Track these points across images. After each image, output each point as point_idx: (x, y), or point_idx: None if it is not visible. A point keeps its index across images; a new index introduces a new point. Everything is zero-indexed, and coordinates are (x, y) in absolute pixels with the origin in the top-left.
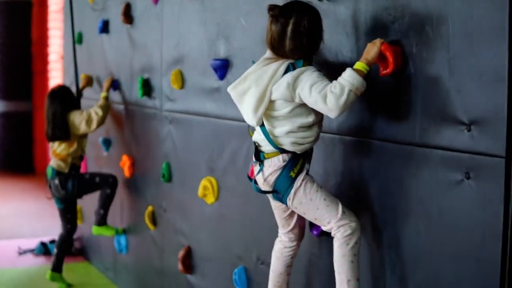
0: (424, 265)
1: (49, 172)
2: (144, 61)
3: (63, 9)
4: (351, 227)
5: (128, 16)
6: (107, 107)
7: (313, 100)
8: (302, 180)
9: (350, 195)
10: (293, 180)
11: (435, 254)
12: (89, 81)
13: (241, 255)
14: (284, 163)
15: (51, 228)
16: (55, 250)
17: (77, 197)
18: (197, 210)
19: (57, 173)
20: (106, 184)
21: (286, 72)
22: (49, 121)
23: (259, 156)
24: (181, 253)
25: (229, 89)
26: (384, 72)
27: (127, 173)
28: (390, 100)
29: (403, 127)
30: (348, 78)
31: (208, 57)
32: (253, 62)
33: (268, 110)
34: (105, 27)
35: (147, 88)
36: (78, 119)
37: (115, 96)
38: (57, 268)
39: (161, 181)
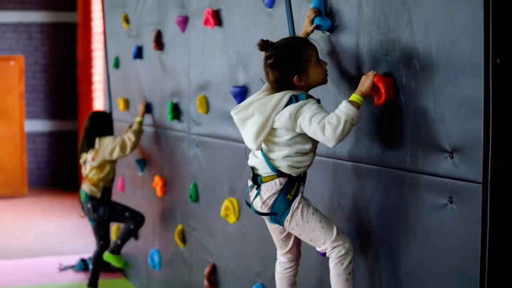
0: (415, 284)
1: (82, 195)
2: (173, 86)
3: (103, 33)
4: (345, 247)
5: (159, 42)
6: (140, 132)
7: (312, 130)
8: (299, 203)
9: (351, 216)
10: (290, 202)
11: (423, 274)
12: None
13: (259, 272)
14: (281, 186)
15: (92, 245)
16: (90, 266)
17: (106, 222)
18: (221, 229)
19: (90, 197)
20: (133, 220)
21: (288, 103)
22: (82, 138)
23: (257, 180)
24: (206, 270)
25: (232, 113)
26: (378, 102)
27: (159, 193)
28: (384, 128)
29: (396, 153)
30: (344, 109)
31: (229, 84)
32: (262, 81)
33: (269, 136)
34: (139, 53)
35: (176, 112)
36: (111, 145)
37: (148, 119)
38: (92, 283)
39: (189, 201)
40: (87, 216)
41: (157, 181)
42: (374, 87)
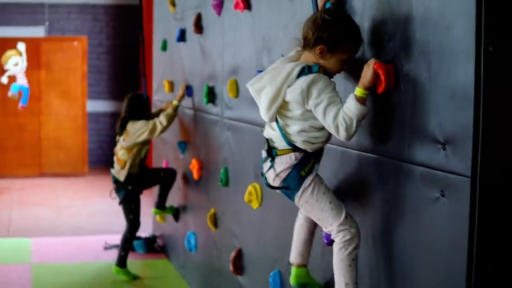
0: (409, 274)
1: (112, 175)
2: (209, 69)
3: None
4: (351, 232)
5: (198, 26)
6: (173, 117)
7: (326, 124)
8: (312, 181)
9: (354, 203)
10: (303, 178)
11: (417, 266)
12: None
13: (277, 258)
14: (296, 161)
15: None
16: (121, 253)
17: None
18: (246, 214)
19: (115, 180)
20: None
21: (300, 74)
22: (119, 119)
23: (272, 152)
24: (232, 255)
25: (248, 85)
26: (378, 90)
27: (195, 176)
28: (385, 116)
29: (395, 143)
30: (355, 110)
31: (256, 68)
32: (283, 55)
33: (282, 109)
34: (182, 36)
35: (211, 95)
36: (142, 129)
37: (188, 101)
38: (120, 263)
39: (220, 185)
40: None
41: (194, 164)
42: (375, 75)
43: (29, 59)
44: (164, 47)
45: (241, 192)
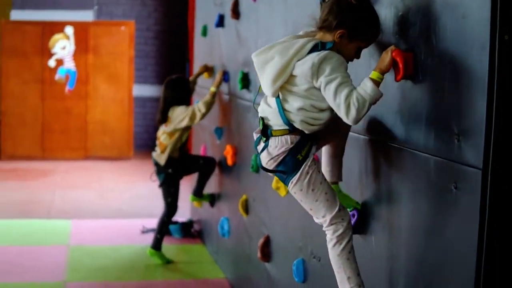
0: (420, 262)
1: (153, 158)
2: (244, 55)
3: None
4: (343, 226)
5: (236, 11)
6: (211, 103)
7: (336, 103)
8: (309, 167)
9: (367, 190)
10: (299, 163)
11: (429, 255)
12: (207, 70)
13: (301, 247)
14: (292, 145)
15: (181, 208)
16: (157, 236)
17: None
18: (275, 202)
19: (156, 163)
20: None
21: (312, 49)
22: (160, 106)
23: (266, 132)
24: (260, 241)
25: (253, 55)
26: (397, 78)
27: (229, 161)
28: (402, 104)
29: (411, 132)
30: (370, 92)
31: None
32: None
33: (286, 84)
34: (220, 21)
35: (246, 81)
36: (182, 114)
37: (224, 87)
38: (155, 245)
39: (250, 171)
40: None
41: (228, 150)
42: (393, 63)
43: (77, 43)
44: (205, 32)
45: (270, 179)
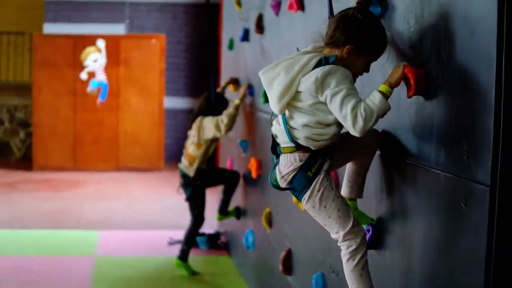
0: (429, 279)
1: (180, 170)
2: None
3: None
4: (356, 242)
5: (260, 26)
6: (234, 116)
7: (343, 114)
8: (321, 185)
9: (380, 205)
10: (310, 180)
11: (436, 273)
12: (233, 82)
13: (321, 261)
14: (301, 163)
15: (208, 220)
16: (184, 247)
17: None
18: (296, 215)
19: (184, 174)
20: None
21: (317, 65)
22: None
23: (276, 149)
24: (282, 255)
25: (260, 73)
26: (408, 94)
27: (254, 174)
28: (415, 120)
29: (423, 148)
30: (379, 103)
31: None
32: (298, 49)
33: (292, 100)
34: (245, 36)
35: None
36: (209, 125)
37: (249, 101)
38: (182, 257)
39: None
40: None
41: (253, 163)
42: (405, 78)
43: (108, 56)
44: (231, 46)
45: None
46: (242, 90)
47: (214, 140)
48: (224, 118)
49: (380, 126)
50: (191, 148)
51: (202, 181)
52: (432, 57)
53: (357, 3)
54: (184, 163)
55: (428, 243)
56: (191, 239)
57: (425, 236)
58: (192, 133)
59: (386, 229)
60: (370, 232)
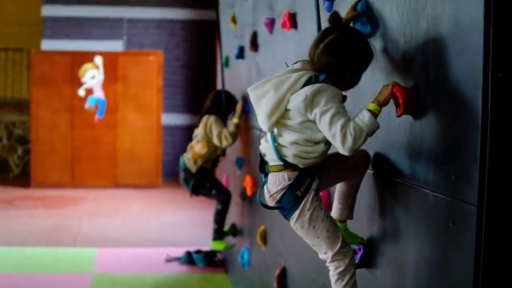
0: None
1: (181, 163)
2: None
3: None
4: (345, 263)
5: (254, 43)
6: (235, 135)
7: (332, 132)
8: (310, 205)
9: (370, 224)
10: (299, 199)
11: None
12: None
13: (314, 279)
14: (290, 182)
15: (208, 238)
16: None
17: (192, 194)
18: (290, 233)
19: (185, 168)
20: (219, 199)
21: (307, 83)
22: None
23: (264, 168)
24: (277, 272)
25: (249, 89)
26: (397, 113)
27: (249, 192)
28: (404, 140)
29: (413, 167)
30: (368, 122)
31: None
32: (287, 65)
33: (281, 118)
34: (240, 53)
35: None
36: (215, 130)
37: (245, 118)
38: (215, 237)
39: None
40: (183, 186)
41: (248, 180)
42: (394, 98)
43: (106, 73)
44: (227, 63)
45: None
46: (238, 108)
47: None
48: (228, 135)
49: (370, 145)
50: (198, 146)
51: (203, 177)
52: (420, 76)
53: (330, 16)
54: (187, 156)
55: (419, 262)
56: (219, 216)
57: (416, 255)
58: (199, 131)
59: (377, 248)
60: (361, 251)
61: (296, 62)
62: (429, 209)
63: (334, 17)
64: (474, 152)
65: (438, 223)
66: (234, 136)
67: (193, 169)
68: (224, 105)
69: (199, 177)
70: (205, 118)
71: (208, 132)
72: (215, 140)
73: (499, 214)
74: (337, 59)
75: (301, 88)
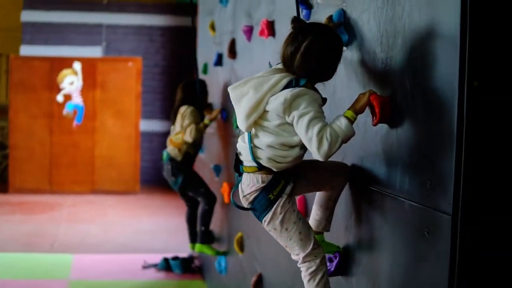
0: None
1: (164, 156)
2: None
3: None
4: (316, 263)
5: (232, 51)
6: (199, 132)
7: (308, 136)
8: (282, 208)
9: (346, 232)
10: (271, 202)
11: None
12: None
13: (291, 286)
14: (263, 184)
15: (184, 244)
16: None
17: (179, 190)
18: (266, 240)
19: (171, 159)
20: (206, 199)
21: (287, 86)
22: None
23: (239, 167)
24: (253, 280)
25: (229, 89)
26: (374, 122)
27: (226, 199)
28: (380, 148)
29: (389, 176)
30: (344, 128)
31: None
32: (270, 65)
33: (259, 119)
34: (219, 60)
35: None
36: (187, 120)
37: (223, 126)
38: (202, 239)
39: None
40: (168, 180)
41: (225, 188)
42: (370, 106)
43: (84, 79)
44: (205, 70)
45: None
46: (214, 113)
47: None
48: (193, 130)
49: (347, 153)
50: (176, 137)
51: (190, 166)
52: (396, 85)
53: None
54: (171, 149)
55: (394, 270)
56: (208, 219)
57: (391, 263)
58: (177, 125)
59: (353, 256)
60: (337, 259)
61: (279, 63)
62: (404, 217)
63: (296, 22)
64: (449, 161)
65: (413, 231)
66: (199, 133)
67: (179, 157)
68: (199, 93)
69: (187, 170)
70: (183, 108)
71: (181, 120)
72: (186, 132)
73: (473, 223)
74: (320, 60)
75: (281, 91)
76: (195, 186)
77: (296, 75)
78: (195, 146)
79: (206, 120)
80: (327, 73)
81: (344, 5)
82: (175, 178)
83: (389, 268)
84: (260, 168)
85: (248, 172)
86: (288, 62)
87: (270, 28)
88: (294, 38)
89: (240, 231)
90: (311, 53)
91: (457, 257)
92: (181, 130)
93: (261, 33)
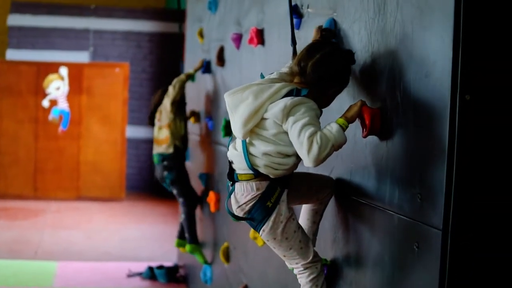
0: None
1: (155, 159)
2: None
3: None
4: (317, 269)
5: (221, 58)
6: (182, 82)
7: (299, 141)
8: (283, 216)
9: (335, 245)
10: (269, 210)
11: None
12: (193, 114)
13: None
14: (259, 192)
15: (170, 252)
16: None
17: (167, 187)
18: (253, 251)
19: (163, 157)
20: (187, 200)
21: (287, 95)
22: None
23: (233, 176)
24: None
25: (226, 95)
26: (364, 133)
27: (212, 208)
28: (370, 160)
29: (378, 189)
30: (335, 133)
31: None
32: (262, 76)
33: (256, 127)
34: (207, 68)
35: (229, 129)
36: (166, 99)
37: (209, 134)
38: (192, 240)
39: (232, 219)
40: (160, 178)
41: (212, 197)
42: (360, 118)
43: (71, 84)
44: (193, 77)
45: (249, 228)
46: (198, 63)
47: (180, 118)
48: (176, 83)
49: (336, 165)
50: (161, 133)
51: (181, 161)
52: (387, 97)
53: (322, 31)
54: (159, 149)
55: (383, 285)
56: (192, 220)
57: (380, 277)
58: (157, 120)
59: (341, 270)
60: (325, 272)
61: (272, 73)
62: (394, 231)
63: (329, 33)
64: (440, 175)
65: (403, 245)
66: (181, 82)
67: (170, 149)
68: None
69: (180, 167)
70: (161, 106)
71: (164, 112)
72: (170, 87)
73: (463, 238)
74: (331, 72)
75: (281, 99)
76: (184, 184)
77: (301, 83)
78: (183, 139)
79: (190, 70)
80: (328, 94)
81: (335, 15)
82: (169, 172)
83: (377, 282)
84: (257, 175)
85: (243, 180)
86: (299, 67)
87: (260, 37)
88: (314, 47)
89: (227, 241)
90: (328, 62)
91: (447, 273)
92: (166, 124)
93: (250, 41)
